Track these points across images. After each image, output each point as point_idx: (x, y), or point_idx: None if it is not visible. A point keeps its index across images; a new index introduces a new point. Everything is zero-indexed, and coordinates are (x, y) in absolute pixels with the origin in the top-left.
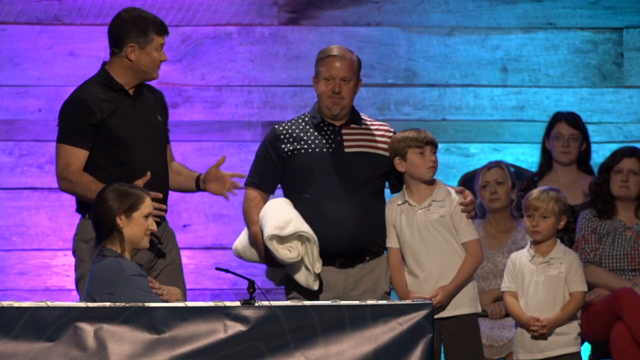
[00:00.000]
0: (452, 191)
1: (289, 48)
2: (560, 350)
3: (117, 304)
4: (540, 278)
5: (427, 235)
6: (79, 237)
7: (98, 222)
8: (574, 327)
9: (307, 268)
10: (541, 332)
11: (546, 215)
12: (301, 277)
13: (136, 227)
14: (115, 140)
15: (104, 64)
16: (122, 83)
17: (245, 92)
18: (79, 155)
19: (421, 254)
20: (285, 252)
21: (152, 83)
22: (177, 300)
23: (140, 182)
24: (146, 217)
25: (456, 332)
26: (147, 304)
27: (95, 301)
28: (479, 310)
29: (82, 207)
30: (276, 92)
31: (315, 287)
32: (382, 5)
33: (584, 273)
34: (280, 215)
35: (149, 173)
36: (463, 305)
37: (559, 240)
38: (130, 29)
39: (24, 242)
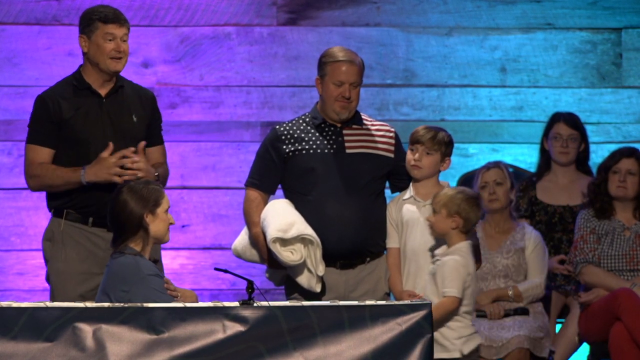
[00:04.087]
0: None
1: (287, 48)
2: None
3: (116, 304)
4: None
5: (428, 230)
6: (46, 235)
7: (122, 224)
8: (452, 334)
9: (309, 270)
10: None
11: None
12: (303, 279)
13: (161, 222)
14: (76, 140)
15: (81, 64)
16: (90, 82)
17: (244, 92)
18: (42, 153)
19: (420, 248)
20: (288, 255)
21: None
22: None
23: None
24: (166, 211)
25: None
26: (145, 305)
27: (109, 297)
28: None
29: (48, 204)
30: (275, 92)
31: (318, 289)
32: (380, 6)
33: (459, 279)
34: (283, 217)
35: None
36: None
37: (466, 244)
38: (80, 22)
39: (22, 243)
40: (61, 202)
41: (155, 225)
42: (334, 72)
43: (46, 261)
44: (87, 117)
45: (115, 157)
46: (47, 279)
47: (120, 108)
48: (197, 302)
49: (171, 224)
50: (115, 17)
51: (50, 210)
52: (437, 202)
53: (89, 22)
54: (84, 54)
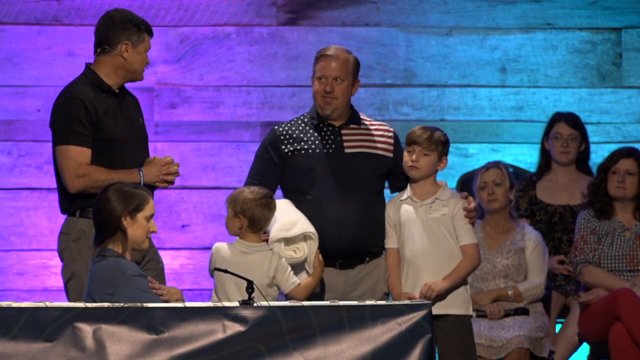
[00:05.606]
0: (458, 195)
1: (287, 48)
2: None
3: (116, 304)
4: None
5: (426, 231)
6: (69, 236)
7: (101, 222)
8: None
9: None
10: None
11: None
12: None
13: (139, 228)
14: (109, 141)
15: (88, 64)
16: (110, 84)
17: (244, 92)
18: (87, 154)
19: (418, 249)
20: (291, 254)
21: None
22: (178, 300)
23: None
24: (148, 218)
25: (449, 331)
26: (145, 305)
27: (94, 301)
28: (471, 312)
29: (71, 205)
30: (275, 92)
31: (317, 289)
32: (380, 6)
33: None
34: (287, 216)
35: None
36: (455, 305)
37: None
38: (126, 27)
39: (22, 243)
40: (91, 202)
41: (133, 230)
42: (318, 67)
43: (70, 261)
44: (116, 119)
45: (165, 160)
46: (67, 280)
47: (131, 110)
48: (182, 298)
49: (152, 232)
50: (152, 31)
51: (71, 212)
52: (226, 201)
53: (137, 31)
54: (119, 56)
